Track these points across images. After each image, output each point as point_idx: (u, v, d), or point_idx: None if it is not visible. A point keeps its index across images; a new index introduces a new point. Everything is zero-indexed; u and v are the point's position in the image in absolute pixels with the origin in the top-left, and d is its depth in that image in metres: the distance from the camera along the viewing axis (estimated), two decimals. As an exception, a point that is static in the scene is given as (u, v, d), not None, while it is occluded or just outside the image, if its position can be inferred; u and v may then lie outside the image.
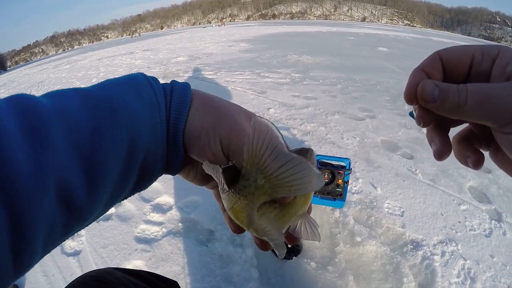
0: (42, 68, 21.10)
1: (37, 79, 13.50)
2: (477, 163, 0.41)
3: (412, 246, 1.97)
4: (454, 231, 2.12)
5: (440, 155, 0.42)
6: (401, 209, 2.30)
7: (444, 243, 2.01)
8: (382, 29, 35.07)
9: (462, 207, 2.36)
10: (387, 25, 75.29)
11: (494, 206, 2.41)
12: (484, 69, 0.37)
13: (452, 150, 0.44)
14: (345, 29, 28.07)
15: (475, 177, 2.76)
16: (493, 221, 2.24)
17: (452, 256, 1.92)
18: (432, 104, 0.37)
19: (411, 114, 0.44)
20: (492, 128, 0.36)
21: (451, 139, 0.44)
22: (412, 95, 0.40)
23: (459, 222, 2.21)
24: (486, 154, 0.43)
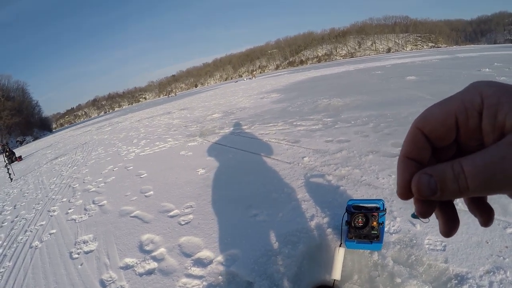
0: (85, 130, 22.61)
1: (81, 141, 14.49)
2: (486, 223, 0.39)
3: (456, 281, 1.94)
4: (502, 257, 2.05)
5: (447, 234, 0.40)
6: (443, 243, 2.27)
7: (492, 272, 1.95)
8: (408, 56, 34.91)
9: (508, 230, 2.28)
10: (413, 52, 74.89)
11: (543, 227, 2.31)
12: (472, 126, 0.34)
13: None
14: (372, 63, 28.19)
15: (519, 197, 2.68)
16: (542, 243, 2.15)
17: (502, 285, 1.85)
18: (434, 197, 0.34)
19: (414, 216, 0.40)
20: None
21: None
22: (406, 193, 0.37)
23: (507, 247, 2.13)
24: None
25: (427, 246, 2.28)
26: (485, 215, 0.38)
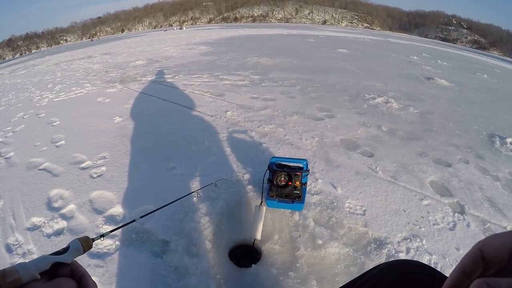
0: (-3, 73, 20.23)
1: (-10, 86, 12.87)
2: None
3: (375, 245, 1.91)
4: (418, 226, 2.09)
5: None
6: (363, 208, 2.23)
7: (409, 240, 1.96)
8: (342, 31, 35.79)
9: (424, 202, 2.34)
10: (347, 28, 77.17)
11: (456, 199, 2.41)
12: None
13: None
14: (306, 31, 28.44)
15: (436, 172, 2.76)
16: (456, 214, 2.23)
17: (418, 252, 1.88)
18: None
19: None
20: None
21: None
22: None
23: (422, 217, 2.18)
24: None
25: (347, 209, 2.22)
26: None
